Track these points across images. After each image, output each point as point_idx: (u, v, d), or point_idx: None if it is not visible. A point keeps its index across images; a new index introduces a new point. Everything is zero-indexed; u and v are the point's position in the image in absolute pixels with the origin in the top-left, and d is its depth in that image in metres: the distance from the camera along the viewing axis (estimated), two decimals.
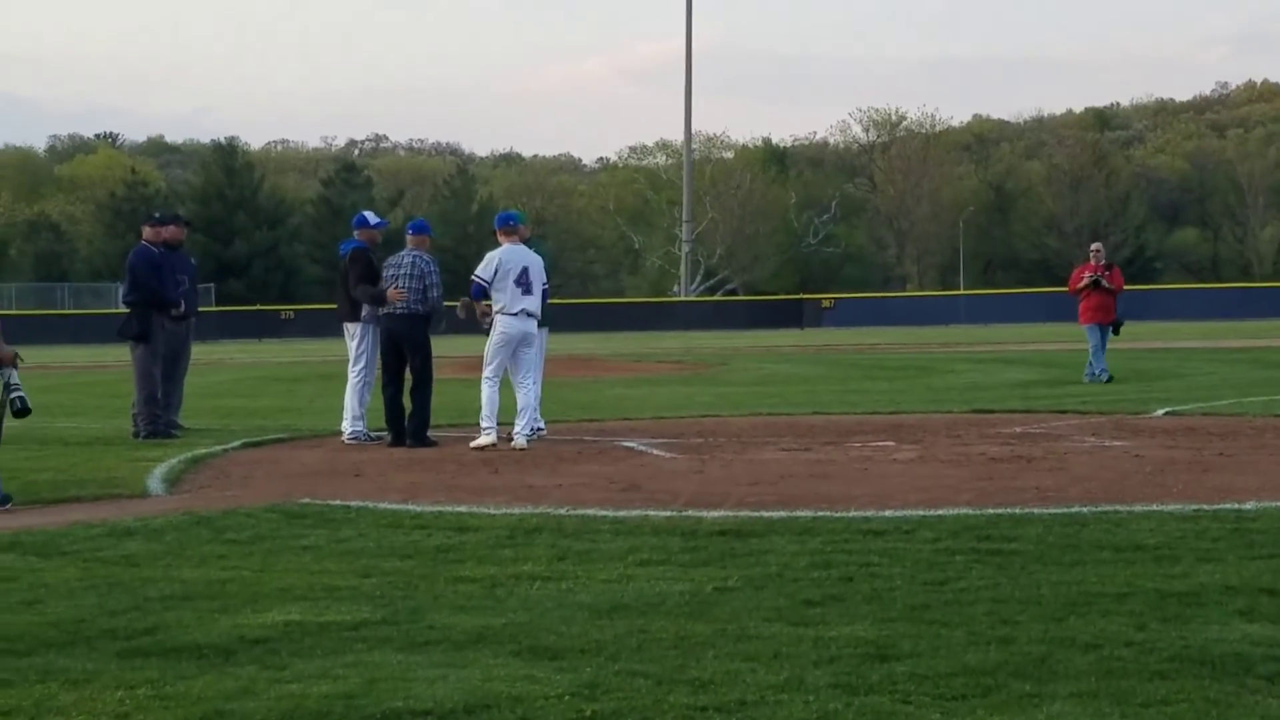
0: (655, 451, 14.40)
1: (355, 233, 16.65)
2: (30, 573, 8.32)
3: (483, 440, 14.96)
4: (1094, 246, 25.95)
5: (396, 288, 15.74)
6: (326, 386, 27.59)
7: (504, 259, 15.38)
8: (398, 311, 15.70)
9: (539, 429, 15.99)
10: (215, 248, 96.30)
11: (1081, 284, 24.91)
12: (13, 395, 11.49)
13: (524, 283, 15.34)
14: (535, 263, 15.54)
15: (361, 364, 16.29)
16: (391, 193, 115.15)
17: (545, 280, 15.69)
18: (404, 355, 15.88)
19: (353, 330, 16.41)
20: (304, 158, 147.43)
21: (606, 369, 33.64)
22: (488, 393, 15.33)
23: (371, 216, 16.95)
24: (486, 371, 15.49)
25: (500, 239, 15.62)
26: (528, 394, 15.43)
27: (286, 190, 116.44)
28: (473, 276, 15.46)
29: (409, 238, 16.19)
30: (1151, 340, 44.77)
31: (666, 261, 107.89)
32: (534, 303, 15.43)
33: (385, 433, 15.91)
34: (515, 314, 15.32)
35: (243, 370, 37.88)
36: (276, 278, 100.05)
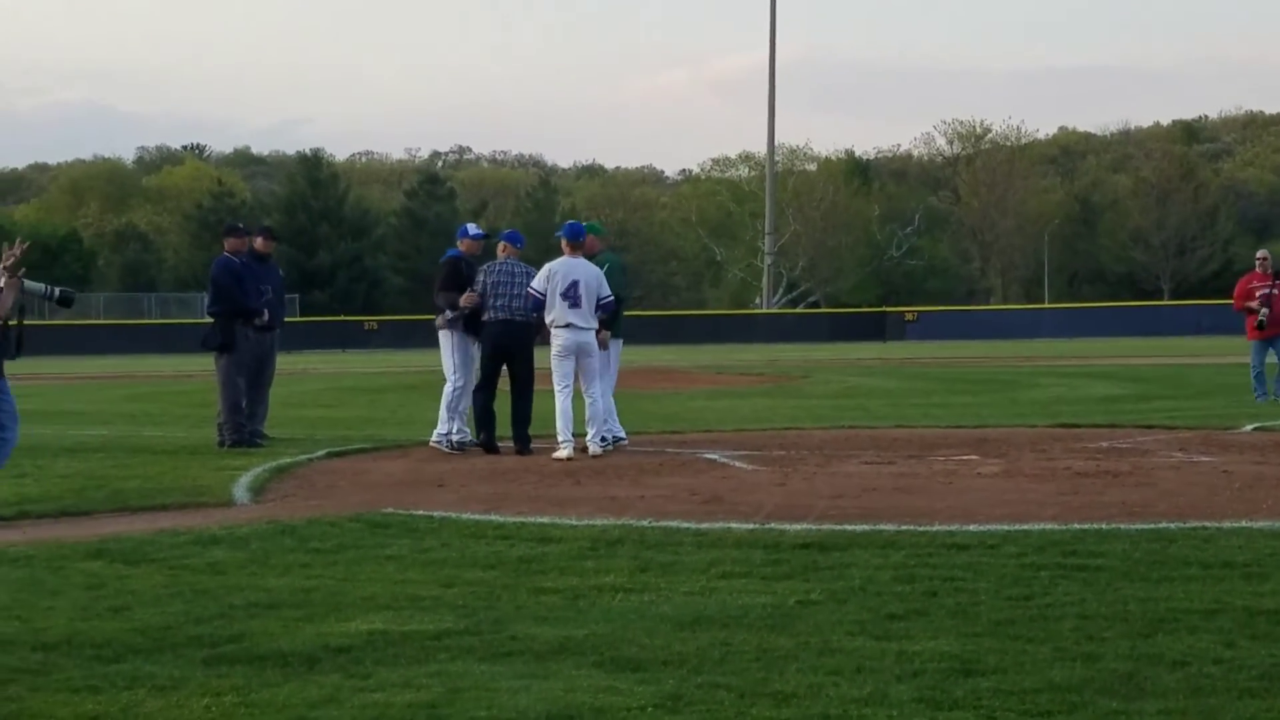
0: (737, 464, 14.38)
1: (458, 243, 16.93)
2: (118, 580, 8.41)
3: (562, 452, 15.13)
4: (1260, 254, 24.18)
5: (472, 292, 16.04)
6: (410, 397, 27.75)
7: (554, 271, 15.68)
8: (518, 320, 15.97)
9: (620, 439, 16.16)
10: (299, 258, 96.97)
11: (1256, 300, 23.16)
12: (58, 291, 10.77)
13: (572, 296, 15.60)
14: (589, 276, 15.76)
15: (454, 369, 16.53)
16: (474, 204, 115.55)
17: (606, 294, 15.85)
18: (504, 362, 16.12)
19: (445, 338, 16.64)
20: (388, 169, 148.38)
21: (688, 381, 33.64)
22: (560, 404, 15.57)
23: (472, 228, 17.32)
24: (555, 383, 15.74)
25: (565, 250, 15.81)
26: (595, 403, 15.74)
27: (371, 201, 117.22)
28: (529, 289, 15.69)
29: (507, 247, 16.43)
30: (1241, 355, 44.24)
31: (748, 274, 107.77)
32: (582, 315, 15.68)
33: (474, 440, 16.22)
34: (563, 326, 15.62)
35: (327, 380, 38.14)
36: (360, 289, 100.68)
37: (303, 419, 21.71)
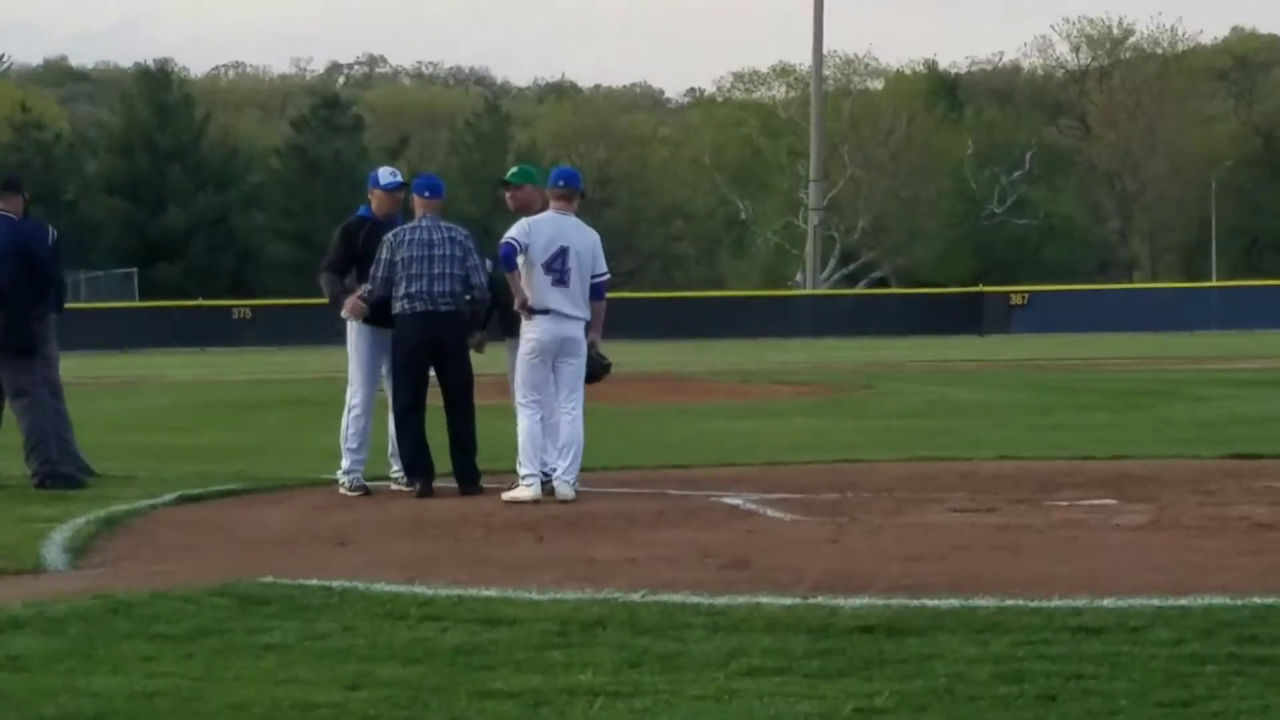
0: (770, 512, 14.42)
1: (368, 196, 17.08)
2: None
3: (522, 493, 15.12)
4: None
5: (369, 289, 15.99)
6: (299, 415, 27.77)
7: (537, 228, 15.53)
8: (442, 310, 15.91)
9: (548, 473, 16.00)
10: (139, 216, 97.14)
11: None
12: None
13: (558, 269, 15.47)
14: (584, 243, 15.67)
15: (358, 380, 16.64)
16: (391, 139, 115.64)
17: (603, 269, 15.85)
18: (426, 370, 16.12)
19: (352, 334, 16.69)
20: (266, 90, 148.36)
21: (700, 392, 33.67)
22: (526, 425, 15.44)
23: (384, 174, 17.16)
24: (519, 395, 15.61)
25: (551, 203, 15.75)
26: (575, 424, 15.56)
27: (242, 135, 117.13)
28: (506, 238, 15.51)
29: (421, 201, 16.39)
30: None
31: (786, 238, 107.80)
32: (570, 298, 15.54)
33: (399, 479, 16.41)
34: (543, 312, 15.46)
35: (178, 392, 38.12)
36: (226, 261, 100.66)
37: (143, 448, 21.69)
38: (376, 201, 16.86)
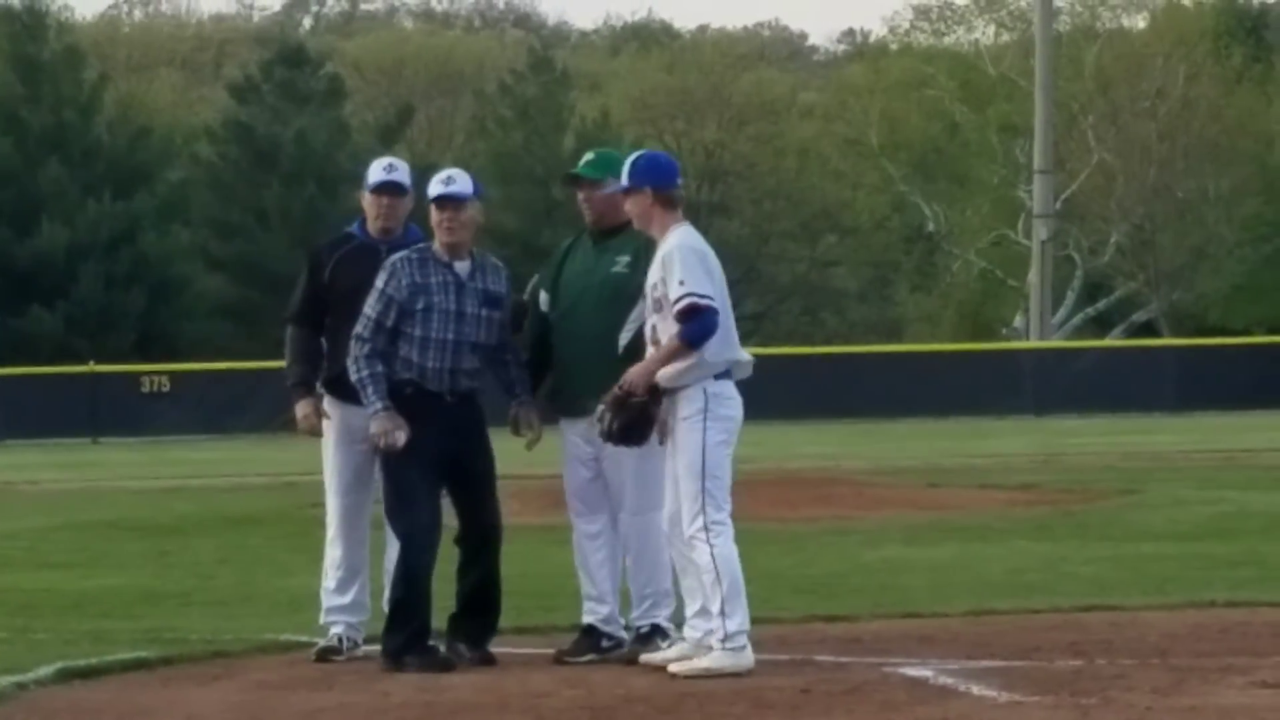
0: (975, 688, 14.47)
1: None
2: None
3: (730, 660, 14.96)
4: None
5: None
6: (243, 542, 27.90)
7: (714, 259, 15.50)
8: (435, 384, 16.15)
9: (617, 636, 16.12)
10: None
11: None
12: None
13: (729, 308, 15.55)
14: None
15: (328, 484, 16.86)
16: (385, 112, 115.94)
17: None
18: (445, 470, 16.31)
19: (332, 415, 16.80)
20: (192, 39, 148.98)
21: (866, 502, 33.72)
22: (727, 554, 15.16)
23: (373, 169, 17.23)
24: (711, 511, 15.22)
25: (661, 211, 15.69)
26: (701, 549, 15.38)
27: (155, 108, 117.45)
28: (693, 292, 15.12)
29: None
30: None
31: (998, 261, 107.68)
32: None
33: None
34: (729, 374, 15.46)
35: (57, 508, 38.26)
36: (131, 303, 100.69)
37: (5, 595, 21.78)
38: (368, 208, 16.97)
